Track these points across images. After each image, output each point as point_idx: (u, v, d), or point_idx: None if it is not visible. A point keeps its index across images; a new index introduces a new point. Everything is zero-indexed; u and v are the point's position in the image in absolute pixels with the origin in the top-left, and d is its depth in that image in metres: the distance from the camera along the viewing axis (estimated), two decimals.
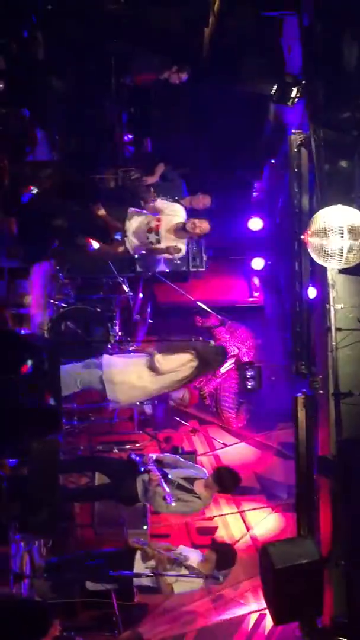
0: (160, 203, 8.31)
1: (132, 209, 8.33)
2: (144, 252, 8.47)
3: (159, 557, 7.39)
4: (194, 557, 7.53)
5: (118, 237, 8.19)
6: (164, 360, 7.46)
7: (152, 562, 7.45)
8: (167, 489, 7.27)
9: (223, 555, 7.49)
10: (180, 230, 8.18)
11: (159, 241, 8.17)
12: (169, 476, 7.46)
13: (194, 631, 8.87)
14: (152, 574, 7.37)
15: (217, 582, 7.56)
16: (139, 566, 7.47)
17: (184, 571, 7.39)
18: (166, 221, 8.18)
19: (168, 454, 7.99)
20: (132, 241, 8.25)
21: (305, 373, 7.93)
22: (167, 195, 9.03)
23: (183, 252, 8.43)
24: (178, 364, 7.51)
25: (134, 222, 8.25)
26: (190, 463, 7.91)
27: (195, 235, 8.36)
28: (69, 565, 7.72)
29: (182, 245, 8.28)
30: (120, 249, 8.23)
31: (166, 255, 8.36)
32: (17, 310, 7.24)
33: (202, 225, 8.21)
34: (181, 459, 7.81)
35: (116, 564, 7.47)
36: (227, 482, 7.52)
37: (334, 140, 7.70)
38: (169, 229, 8.17)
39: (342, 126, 7.63)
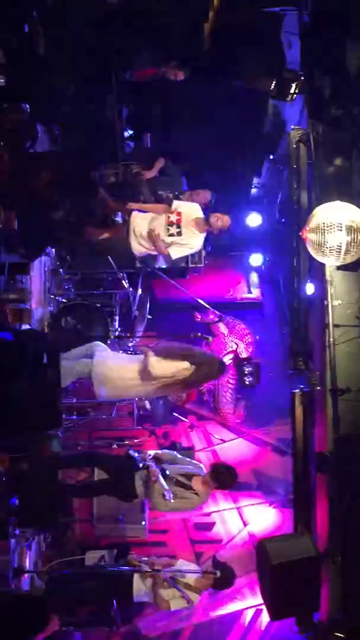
0: (176, 203, 8.28)
1: (135, 210, 8.32)
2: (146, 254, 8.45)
3: (156, 577, 7.42)
4: (191, 574, 7.54)
5: (119, 218, 8.17)
6: (157, 365, 7.33)
7: (149, 581, 7.48)
8: (166, 486, 7.28)
9: (222, 575, 7.50)
10: (201, 224, 8.16)
11: (180, 234, 8.15)
12: (167, 472, 7.47)
13: (191, 626, 8.91)
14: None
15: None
16: (137, 584, 7.50)
17: (181, 588, 7.40)
18: (186, 214, 8.14)
19: (166, 451, 7.99)
20: (138, 244, 8.24)
21: (303, 369, 7.95)
22: (166, 190, 9.04)
23: (199, 247, 8.45)
24: (172, 371, 7.38)
25: (140, 223, 8.24)
26: (188, 459, 7.91)
27: (216, 229, 8.31)
28: (68, 584, 7.72)
29: (199, 239, 8.30)
30: (120, 231, 8.19)
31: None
32: (18, 306, 7.23)
33: (224, 219, 8.19)
34: (179, 456, 7.82)
35: (115, 583, 7.55)
36: (224, 478, 7.53)
37: (333, 137, 7.71)
38: (191, 220, 8.14)
39: (341, 122, 7.63)
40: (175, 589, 7.38)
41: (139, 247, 8.21)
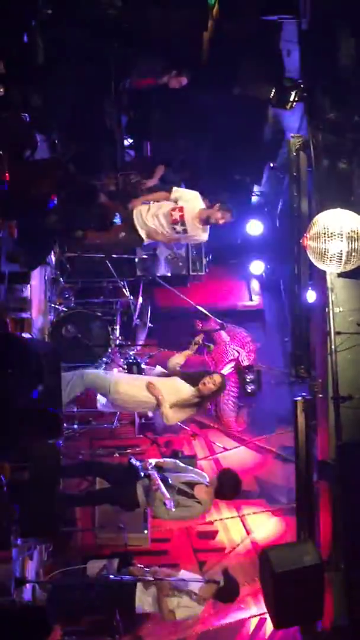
0: (176, 191, 8.27)
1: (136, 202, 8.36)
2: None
3: (160, 584, 7.40)
4: (194, 583, 7.52)
5: (117, 220, 8.18)
6: (171, 415, 7.67)
7: (153, 589, 7.46)
8: (167, 494, 7.27)
9: (227, 587, 7.49)
10: (204, 217, 8.14)
11: (186, 231, 8.16)
12: (170, 481, 7.45)
13: (195, 635, 8.86)
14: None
15: None
16: (140, 595, 7.49)
17: (186, 597, 7.38)
18: (189, 209, 8.15)
19: (168, 459, 7.98)
20: (156, 227, 8.24)
21: (304, 377, 7.95)
22: None
23: (205, 238, 8.48)
24: (185, 417, 7.95)
25: (145, 211, 8.25)
26: (191, 468, 7.90)
27: (219, 221, 8.27)
28: (70, 593, 7.71)
29: (204, 233, 8.31)
30: (122, 234, 8.20)
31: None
32: (18, 315, 7.23)
33: (226, 215, 8.20)
34: (181, 464, 7.80)
35: (118, 592, 7.53)
36: (227, 489, 7.52)
37: (332, 144, 7.72)
38: (194, 216, 8.14)
39: (341, 130, 7.65)
40: (179, 599, 7.36)
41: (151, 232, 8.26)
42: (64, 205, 7.13)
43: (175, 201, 8.15)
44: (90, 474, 8.42)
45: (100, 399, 7.92)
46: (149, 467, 7.52)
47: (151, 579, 7.42)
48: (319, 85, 7.67)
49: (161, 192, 8.42)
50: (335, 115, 7.61)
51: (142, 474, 7.49)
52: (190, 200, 8.16)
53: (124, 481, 7.60)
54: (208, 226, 8.26)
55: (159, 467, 7.57)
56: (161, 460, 7.92)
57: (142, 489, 7.48)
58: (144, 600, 7.48)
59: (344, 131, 7.58)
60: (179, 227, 8.13)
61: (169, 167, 9.49)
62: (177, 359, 7.90)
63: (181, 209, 8.11)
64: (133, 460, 7.74)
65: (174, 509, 7.28)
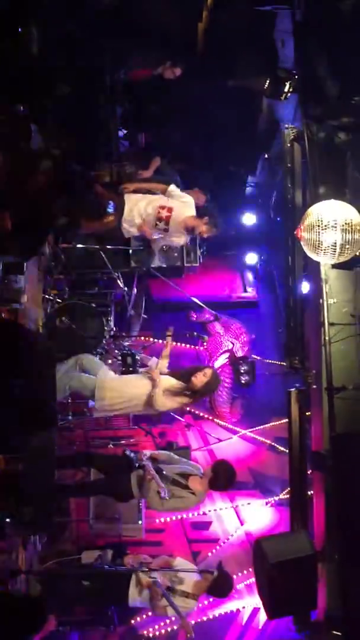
0: (173, 190, 8.27)
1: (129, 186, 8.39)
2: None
3: (154, 590, 7.40)
4: (189, 578, 7.53)
5: (111, 209, 8.17)
6: (161, 400, 7.55)
7: (146, 593, 7.48)
8: (162, 484, 7.28)
9: (220, 583, 7.51)
10: (189, 225, 8.15)
11: (167, 231, 8.17)
12: (164, 472, 7.46)
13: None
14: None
15: None
16: (133, 590, 7.50)
17: (178, 597, 7.39)
18: (177, 212, 8.15)
19: (162, 451, 7.99)
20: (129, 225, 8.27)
21: (298, 367, 7.94)
22: None
23: (182, 243, 8.54)
24: (175, 406, 7.79)
25: (138, 205, 8.27)
26: (184, 460, 7.91)
27: (201, 234, 8.37)
28: (64, 583, 7.72)
29: (184, 238, 8.35)
30: (110, 218, 8.19)
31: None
32: (12, 306, 7.22)
33: (211, 230, 8.23)
34: (175, 456, 7.81)
35: (112, 587, 7.56)
36: (222, 480, 7.53)
37: (327, 135, 7.71)
38: (180, 221, 8.15)
39: (335, 120, 7.64)
40: (173, 595, 7.37)
41: (128, 227, 8.28)
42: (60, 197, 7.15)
43: (168, 198, 8.17)
44: (85, 464, 8.43)
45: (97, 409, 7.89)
46: (143, 458, 7.53)
47: (145, 570, 7.45)
48: (313, 75, 7.63)
49: (159, 184, 8.41)
50: (329, 106, 7.59)
51: (137, 464, 7.50)
52: (183, 205, 8.19)
53: (118, 472, 7.61)
54: (188, 235, 8.33)
55: (153, 459, 7.58)
56: (155, 452, 7.93)
57: (136, 480, 7.49)
58: (136, 597, 7.50)
59: (338, 122, 7.56)
60: (161, 225, 8.16)
61: (164, 158, 9.47)
62: (162, 365, 7.78)
63: (170, 210, 8.14)
64: (127, 451, 7.74)
65: (168, 498, 7.30)
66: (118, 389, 7.66)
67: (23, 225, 6.99)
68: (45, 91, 8.22)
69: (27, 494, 6.75)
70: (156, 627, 8.78)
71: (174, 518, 9.40)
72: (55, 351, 7.39)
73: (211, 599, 8.49)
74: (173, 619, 8.10)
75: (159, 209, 8.12)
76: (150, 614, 8.27)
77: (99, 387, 7.63)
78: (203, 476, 7.52)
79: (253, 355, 10.23)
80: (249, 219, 10.69)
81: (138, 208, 8.20)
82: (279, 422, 9.44)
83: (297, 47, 7.95)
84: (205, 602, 8.64)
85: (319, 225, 6.61)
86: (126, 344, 8.83)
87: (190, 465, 7.78)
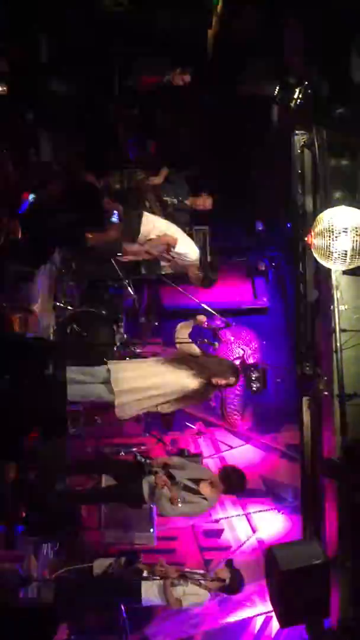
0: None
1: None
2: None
3: (165, 571, 7.42)
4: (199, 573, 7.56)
5: (114, 218, 8.16)
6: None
7: (159, 580, 7.48)
8: (176, 493, 7.28)
9: (231, 582, 7.52)
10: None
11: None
12: (175, 478, 7.45)
13: (201, 633, 8.88)
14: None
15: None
16: (146, 586, 7.51)
17: (191, 585, 7.40)
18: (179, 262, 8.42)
19: (175, 457, 7.97)
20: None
21: (310, 374, 7.92)
22: (171, 196, 9.07)
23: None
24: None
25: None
26: (197, 465, 7.90)
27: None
28: (76, 591, 7.73)
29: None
30: (112, 233, 8.19)
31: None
32: (23, 314, 7.23)
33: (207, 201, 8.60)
34: (187, 462, 7.80)
35: (124, 590, 7.56)
36: (233, 482, 7.51)
37: (337, 141, 7.70)
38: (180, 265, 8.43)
39: (346, 127, 7.63)
40: (185, 587, 7.40)
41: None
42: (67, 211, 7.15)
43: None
44: (96, 471, 8.42)
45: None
46: (155, 465, 7.52)
47: (157, 577, 7.45)
48: (323, 82, 7.64)
49: (168, 237, 8.44)
50: (340, 112, 7.59)
51: (148, 470, 7.49)
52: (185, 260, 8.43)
53: (130, 478, 7.60)
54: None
55: (165, 464, 7.57)
56: (167, 457, 7.92)
57: (147, 486, 7.48)
58: (149, 591, 7.50)
59: (349, 128, 7.56)
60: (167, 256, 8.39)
61: (173, 165, 9.49)
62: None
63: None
64: (139, 457, 7.73)
65: (180, 505, 7.28)
66: (136, 383, 7.50)
67: (33, 233, 7.01)
68: (54, 98, 8.25)
69: (38, 502, 6.76)
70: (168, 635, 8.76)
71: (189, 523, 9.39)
72: (65, 359, 7.37)
73: (224, 597, 8.49)
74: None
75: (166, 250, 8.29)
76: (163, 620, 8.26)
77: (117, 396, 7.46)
78: (214, 482, 7.50)
79: (264, 362, 10.19)
80: (259, 225, 10.66)
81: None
82: (291, 429, 9.40)
83: (308, 54, 7.95)
84: (217, 610, 8.63)
85: (329, 232, 6.59)
86: (137, 351, 8.80)
87: (201, 470, 7.77)
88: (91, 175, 7.37)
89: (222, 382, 7.36)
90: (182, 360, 7.49)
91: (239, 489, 7.82)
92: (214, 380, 7.32)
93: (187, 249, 8.43)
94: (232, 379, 7.39)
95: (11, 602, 6.69)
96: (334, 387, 7.22)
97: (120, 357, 8.55)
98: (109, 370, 7.42)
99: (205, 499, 7.46)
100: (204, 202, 8.93)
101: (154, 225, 8.31)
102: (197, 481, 7.51)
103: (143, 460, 7.65)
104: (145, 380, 7.42)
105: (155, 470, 7.45)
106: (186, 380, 7.34)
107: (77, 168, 8.29)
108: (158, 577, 7.50)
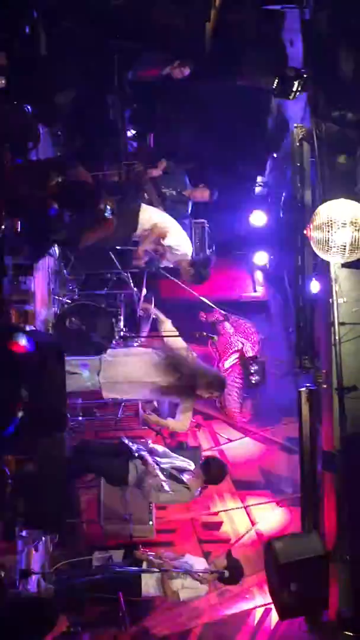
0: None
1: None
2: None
3: (164, 563, 7.45)
4: (199, 566, 7.57)
5: (108, 214, 8.13)
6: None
7: (157, 574, 7.51)
8: (163, 477, 7.36)
9: (231, 574, 7.55)
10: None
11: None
12: (162, 465, 7.52)
13: (200, 626, 8.88)
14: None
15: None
16: (144, 577, 7.53)
17: (189, 578, 7.43)
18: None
19: (159, 445, 8.06)
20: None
21: (309, 367, 7.93)
22: (169, 188, 9.07)
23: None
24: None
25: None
26: (176, 455, 7.96)
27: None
28: (76, 584, 7.74)
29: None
30: (106, 229, 8.17)
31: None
32: (21, 307, 7.22)
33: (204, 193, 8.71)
34: (169, 451, 7.88)
35: (123, 582, 7.57)
36: (213, 472, 7.59)
37: (336, 134, 7.69)
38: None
39: (344, 120, 7.61)
40: (183, 580, 7.43)
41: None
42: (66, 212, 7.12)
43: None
44: (86, 463, 8.39)
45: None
46: (142, 448, 7.59)
47: (156, 569, 7.47)
48: (322, 74, 7.62)
49: (158, 228, 8.47)
50: (338, 105, 7.57)
51: (135, 454, 7.54)
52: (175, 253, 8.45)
53: (115, 456, 7.66)
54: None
55: (150, 451, 7.64)
56: (152, 445, 7.97)
57: (135, 470, 7.53)
58: (148, 583, 7.53)
59: (348, 121, 7.54)
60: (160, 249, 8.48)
61: (172, 158, 9.48)
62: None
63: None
64: (125, 439, 7.80)
65: (167, 488, 7.36)
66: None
67: (32, 227, 6.99)
68: (54, 92, 8.22)
69: (38, 495, 6.76)
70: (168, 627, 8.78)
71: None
72: (64, 352, 7.37)
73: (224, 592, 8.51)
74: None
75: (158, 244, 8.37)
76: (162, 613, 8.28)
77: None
78: (195, 473, 7.57)
79: (263, 355, 10.20)
80: (258, 218, 10.66)
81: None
82: (290, 422, 9.41)
83: (306, 46, 7.93)
84: (217, 602, 8.65)
85: (328, 225, 6.60)
86: (135, 344, 8.80)
87: (184, 461, 7.82)
88: (85, 171, 7.32)
89: (205, 395, 7.52)
90: (170, 366, 7.60)
91: (218, 480, 7.87)
92: (197, 392, 7.47)
93: (178, 242, 8.43)
94: (215, 394, 7.58)
95: (11, 595, 6.70)
96: (333, 380, 7.23)
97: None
98: (100, 361, 7.49)
99: (188, 488, 7.53)
100: (202, 193, 8.94)
101: (150, 216, 8.33)
102: (181, 471, 7.58)
103: (129, 442, 7.71)
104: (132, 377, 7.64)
105: (142, 454, 7.51)
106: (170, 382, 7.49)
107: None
108: (157, 569, 7.53)
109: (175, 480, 7.52)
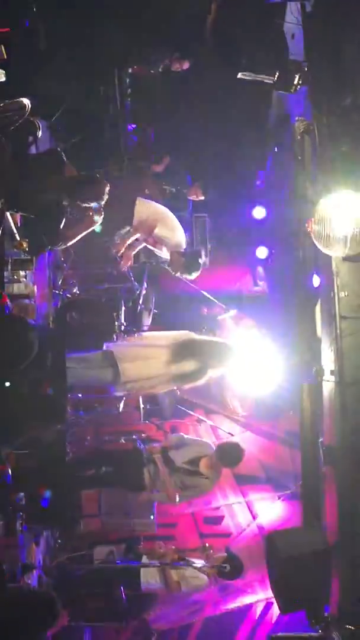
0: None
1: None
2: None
3: (164, 552, 7.45)
4: (199, 561, 7.58)
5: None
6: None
7: (158, 572, 7.53)
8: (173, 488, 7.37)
9: (231, 569, 7.55)
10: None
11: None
12: (175, 464, 7.49)
13: (202, 620, 8.90)
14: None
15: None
16: (145, 570, 7.53)
17: (190, 569, 7.43)
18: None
19: (173, 435, 8.04)
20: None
21: (310, 361, 7.91)
22: (170, 185, 9.06)
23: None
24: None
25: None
26: (194, 440, 7.94)
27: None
28: (77, 578, 7.77)
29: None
30: (93, 218, 8.13)
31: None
32: (22, 301, 7.21)
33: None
34: (186, 437, 7.86)
35: (124, 575, 7.59)
36: (229, 453, 7.57)
37: (338, 127, 7.66)
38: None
39: (346, 113, 7.58)
40: (184, 571, 7.45)
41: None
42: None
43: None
44: (96, 465, 8.41)
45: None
46: (154, 452, 7.56)
47: (157, 564, 7.48)
48: (323, 67, 7.58)
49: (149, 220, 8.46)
50: (340, 98, 7.54)
51: (147, 459, 7.52)
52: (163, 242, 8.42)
53: (129, 464, 7.63)
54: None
55: (164, 449, 7.60)
56: (166, 440, 7.96)
57: (149, 476, 7.51)
58: (149, 575, 7.54)
59: (349, 114, 7.51)
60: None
61: (174, 154, 9.49)
62: None
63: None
64: (139, 444, 7.79)
65: (178, 501, 7.36)
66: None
67: (32, 221, 6.99)
68: (53, 86, 8.21)
69: (38, 489, 6.76)
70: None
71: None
72: (64, 346, 7.36)
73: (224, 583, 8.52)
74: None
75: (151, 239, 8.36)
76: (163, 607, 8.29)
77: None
78: (212, 458, 7.54)
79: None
80: (259, 212, 10.64)
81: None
82: (291, 416, 9.39)
83: (307, 39, 7.90)
84: (218, 596, 8.66)
85: (329, 218, 6.58)
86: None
87: (200, 444, 7.79)
88: (71, 169, 7.28)
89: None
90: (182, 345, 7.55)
91: (237, 461, 7.85)
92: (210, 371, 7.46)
93: (168, 232, 8.37)
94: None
95: (12, 590, 6.71)
96: (334, 373, 7.21)
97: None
98: (104, 355, 7.43)
99: (207, 477, 7.51)
100: (196, 192, 8.93)
101: (145, 207, 8.29)
102: (196, 462, 7.54)
103: (142, 446, 7.69)
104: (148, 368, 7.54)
105: (154, 458, 7.48)
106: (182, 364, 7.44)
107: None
108: (158, 563, 7.53)
109: (191, 474, 7.50)
